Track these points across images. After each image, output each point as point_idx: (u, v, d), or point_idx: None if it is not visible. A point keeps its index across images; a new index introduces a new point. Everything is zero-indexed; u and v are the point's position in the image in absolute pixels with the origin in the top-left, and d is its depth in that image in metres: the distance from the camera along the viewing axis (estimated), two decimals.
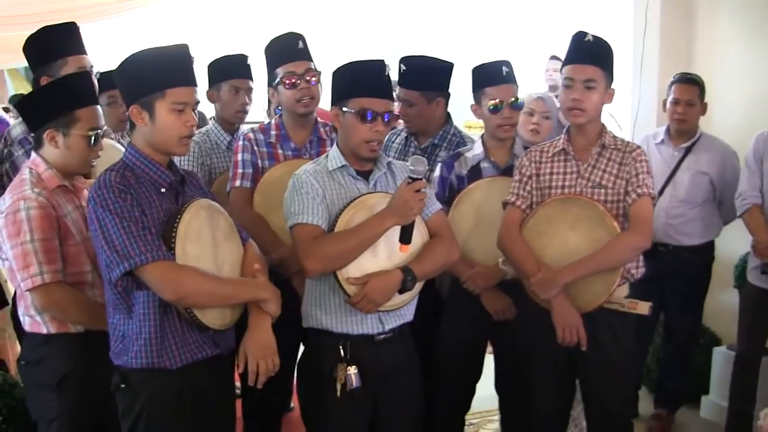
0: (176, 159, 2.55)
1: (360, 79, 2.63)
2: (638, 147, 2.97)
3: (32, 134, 2.72)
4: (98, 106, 2.71)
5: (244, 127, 3.66)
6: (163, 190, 2.39)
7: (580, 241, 2.86)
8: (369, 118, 2.57)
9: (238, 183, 3.17)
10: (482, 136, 3.37)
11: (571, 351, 2.89)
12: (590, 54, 2.87)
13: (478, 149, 3.33)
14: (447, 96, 3.52)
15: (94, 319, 2.58)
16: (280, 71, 3.15)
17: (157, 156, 2.41)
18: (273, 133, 3.22)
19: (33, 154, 2.68)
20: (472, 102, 3.32)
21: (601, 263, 2.84)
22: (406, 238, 2.53)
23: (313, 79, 3.15)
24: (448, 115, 3.59)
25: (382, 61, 2.66)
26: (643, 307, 2.89)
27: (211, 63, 3.77)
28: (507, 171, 3.26)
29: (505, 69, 3.24)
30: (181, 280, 2.27)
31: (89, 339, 2.59)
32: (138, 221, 2.26)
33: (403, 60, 3.50)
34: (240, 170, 3.17)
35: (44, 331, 2.61)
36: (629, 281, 2.97)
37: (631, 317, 2.95)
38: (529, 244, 2.93)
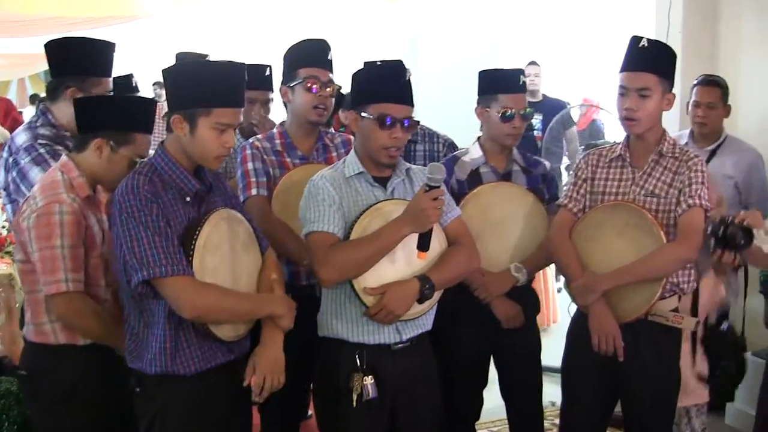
0: None
1: (379, 84, 2.58)
2: (696, 156, 2.88)
3: (73, 135, 2.66)
4: (150, 137, 2.67)
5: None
6: (188, 198, 2.38)
7: (625, 248, 2.81)
8: (388, 124, 2.53)
9: (254, 191, 3.10)
10: (479, 139, 3.31)
11: (611, 364, 2.83)
12: (644, 60, 2.78)
13: (476, 153, 3.27)
14: None
15: (109, 334, 2.56)
16: (302, 72, 3.09)
17: (186, 162, 2.39)
18: (277, 141, 3.17)
19: (64, 157, 2.63)
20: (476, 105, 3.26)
21: (643, 272, 2.77)
22: (424, 245, 2.49)
23: (330, 90, 3.12)
24: None
25: (401, 63, 2.60)
26: (689, 323, 2.82)
27: None
28: (506, 176, 3.23)
29: (522, 78, 3.20)
30: (199, 298, 2.26)
31: (94, 352, 2.58)
32: (162, 232, 2.25)
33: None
34: (253, 179, 3.10)
35: (52, 341, 2.58)
36: (678, 294, 2.89)
37: (676, 332, 2.87)
38: (576, 248, 2.90)
